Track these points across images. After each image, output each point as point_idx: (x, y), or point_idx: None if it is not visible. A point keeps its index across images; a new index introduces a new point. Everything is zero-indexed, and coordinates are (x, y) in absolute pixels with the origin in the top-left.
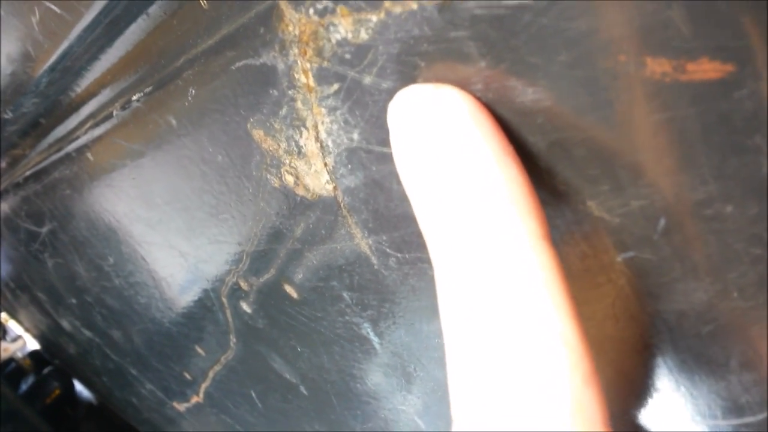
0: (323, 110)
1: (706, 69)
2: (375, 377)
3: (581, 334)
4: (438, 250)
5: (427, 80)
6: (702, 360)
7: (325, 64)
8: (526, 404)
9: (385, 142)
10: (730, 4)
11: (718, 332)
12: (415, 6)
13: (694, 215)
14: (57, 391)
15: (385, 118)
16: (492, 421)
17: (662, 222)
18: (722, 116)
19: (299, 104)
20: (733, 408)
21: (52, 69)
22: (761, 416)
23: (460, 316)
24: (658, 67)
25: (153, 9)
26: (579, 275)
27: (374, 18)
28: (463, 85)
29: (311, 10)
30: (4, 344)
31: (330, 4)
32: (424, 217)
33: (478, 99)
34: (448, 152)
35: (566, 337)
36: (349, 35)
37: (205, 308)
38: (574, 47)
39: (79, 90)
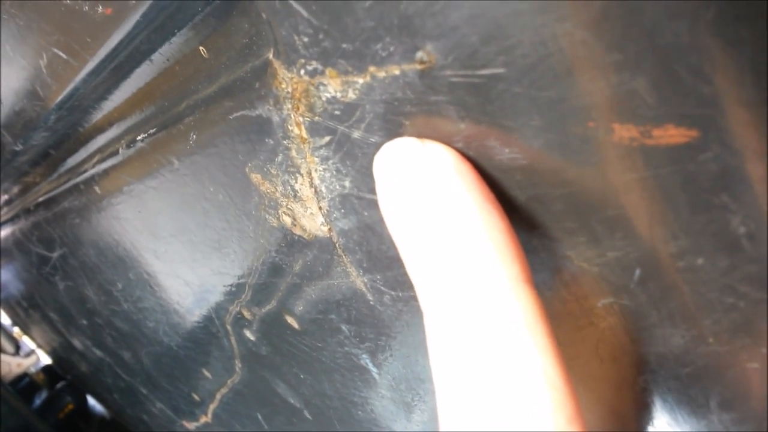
0: (316, 159)
1: (672, 134)
2: (375, 405)
3: (564, 374)
4: (425, 294)
5: (411, 137)
6: (683, 400)
7: (317, 119)
8: None
9: (375, 190)
10: (693, 75)
11: (697, 374)
12: (397, 72)
13: (668, 267)
14: (70, 406)
15: None
16: None
17: (638, 272)
18: (689, 177)
19: (293, 153)
20: None
21: (60, 107)
22: None
23: (448, 359)
24: (625, 132)
25: (156, 56)
26: (563, 318)
27: (360, 80)
28: (445, 142)
29: (302, 71)
30: (18, 359)
31: (319, 67)
32: (411, 262)
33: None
34: (433, 201)
35: (550, 378)
36: (338, 94)
37: (210, 334)
38: (545, 113)
39: (87, 126)
